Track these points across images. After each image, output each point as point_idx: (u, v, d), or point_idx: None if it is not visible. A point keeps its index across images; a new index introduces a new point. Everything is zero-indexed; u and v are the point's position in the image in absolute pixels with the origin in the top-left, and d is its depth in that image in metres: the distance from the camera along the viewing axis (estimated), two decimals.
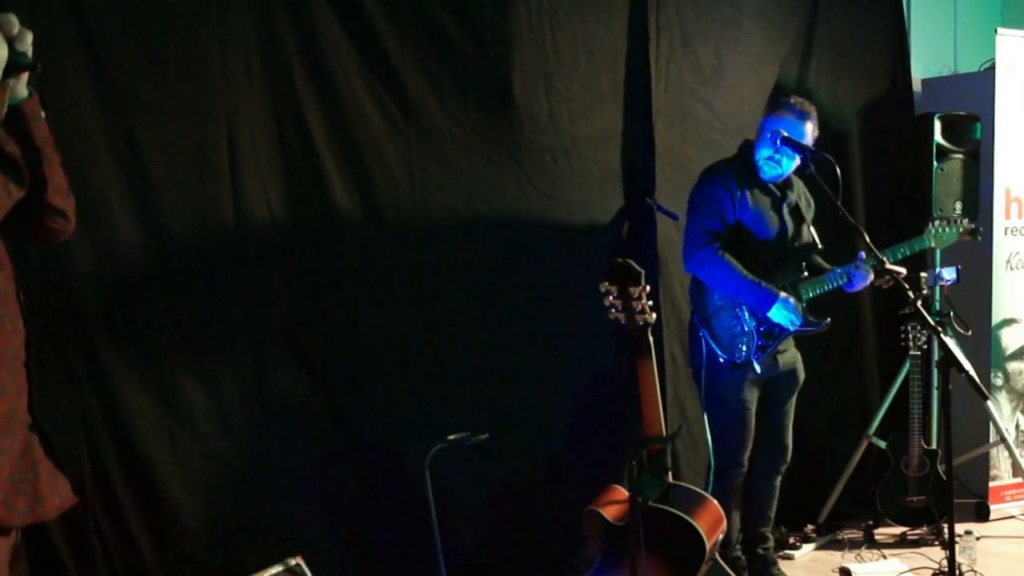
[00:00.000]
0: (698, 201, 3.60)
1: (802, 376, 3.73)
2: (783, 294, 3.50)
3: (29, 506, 1.76)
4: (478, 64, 3.59)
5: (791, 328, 3.52)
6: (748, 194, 3.54)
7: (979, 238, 3.94)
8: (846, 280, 3.58)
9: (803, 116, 3.54)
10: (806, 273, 3.64)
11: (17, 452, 1.75)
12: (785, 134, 3.48)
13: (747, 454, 3.67)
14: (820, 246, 3.66)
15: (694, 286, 3.67)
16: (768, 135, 3.51)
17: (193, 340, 3.07)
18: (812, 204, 3.75)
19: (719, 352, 3.56)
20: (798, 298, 3.54)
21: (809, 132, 3.55)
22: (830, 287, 3.61)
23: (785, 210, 3.60)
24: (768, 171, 3.56)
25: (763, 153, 3.55)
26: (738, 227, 3.53)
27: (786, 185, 3.63)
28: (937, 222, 3.92)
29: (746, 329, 3.55)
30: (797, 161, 3.54)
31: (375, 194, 3.40)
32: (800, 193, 3.71)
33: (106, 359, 2.90)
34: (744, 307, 3.55)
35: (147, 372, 2.98)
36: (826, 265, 3.70)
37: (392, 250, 3.45)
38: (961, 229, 3.88)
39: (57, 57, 2.77)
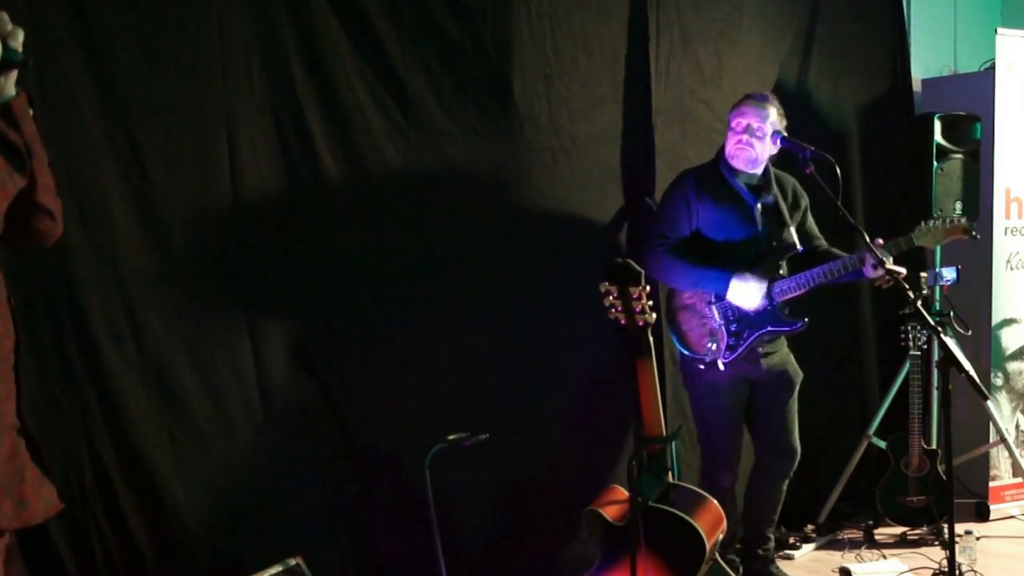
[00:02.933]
0: (658, 207, 3.65)
1: (798, 377, 3.67)
2: (738, 274, 3.43)
3: (15, 510, 1.75)
4: (478, 64, 3.59)
5: (763, 307, 3.43)
6: (711, 199, 3.50)
7: (975, 235, 3.79)
8: (855, 267, 3.45)
9: (764, 98, 3.52)
10: (783, 272, 3.55)
11: (4, 456, 1.74)
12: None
13: (735, 457, 3.63)
14: (800, 248, 3.57)
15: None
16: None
17: (193, 340, 3.07)
18: (802, 205, 3.69)
19: (684, 351, 3.55)
20: (769, 287, 3.45)
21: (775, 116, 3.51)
22: (832, 276, 3.49)
23: (757, 212, 3.53)
24: (743, 156, 3.48)
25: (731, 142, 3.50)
26: (699, 232, 3.51)
27: (761, 187, 3.57)
28: (932, 220, 3.82)
29: (714, 326, 3.50)
30: (774, 150, 3.51)
31: (375, 194, 3.40)
32: (788, 192, 3.66)
33: (106, 359, 2.90)
34: (713, 305, 3.50)
35: (147, 372, 2.98)
36: (835, 251, 3.63)
37: (392, 250, 3.45)
38: (950, 225, 3.72)
39: (57, 57, 2.77)
